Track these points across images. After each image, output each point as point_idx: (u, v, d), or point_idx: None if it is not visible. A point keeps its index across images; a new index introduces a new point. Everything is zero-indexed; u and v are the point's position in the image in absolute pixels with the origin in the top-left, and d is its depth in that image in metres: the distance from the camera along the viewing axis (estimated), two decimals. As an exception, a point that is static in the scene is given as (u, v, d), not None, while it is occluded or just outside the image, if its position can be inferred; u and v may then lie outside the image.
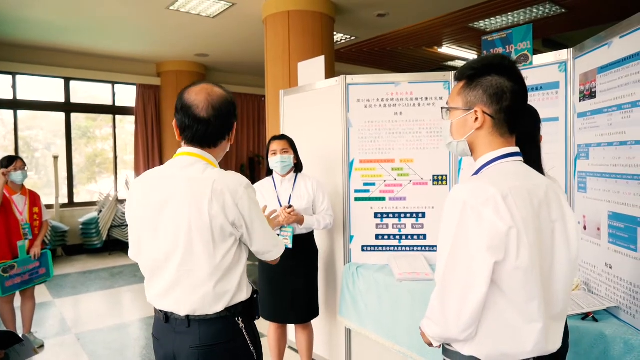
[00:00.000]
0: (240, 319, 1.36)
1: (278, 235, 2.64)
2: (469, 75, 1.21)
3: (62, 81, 7.21)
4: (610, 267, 1.82)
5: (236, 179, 1.33)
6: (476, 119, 1.19)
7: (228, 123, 1.39)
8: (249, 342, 1.38)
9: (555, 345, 1.17)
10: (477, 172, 1.22)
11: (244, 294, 1.38)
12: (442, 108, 1.30)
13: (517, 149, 1.21)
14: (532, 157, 1.52)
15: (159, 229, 1.33)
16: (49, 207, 6.92)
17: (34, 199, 3.61)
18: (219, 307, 1.32)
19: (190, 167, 1.34)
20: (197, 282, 1.31)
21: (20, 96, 6.88)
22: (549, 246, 1.15)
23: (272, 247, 1.43)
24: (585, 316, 1.77)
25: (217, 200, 1.27)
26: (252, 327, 1.42)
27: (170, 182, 1.34)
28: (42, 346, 3.60)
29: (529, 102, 1.66)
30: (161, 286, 1.35)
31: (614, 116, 1.80)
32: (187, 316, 1.32)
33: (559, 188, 1.24)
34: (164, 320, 1.36)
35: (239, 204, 1.29)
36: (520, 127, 1.24)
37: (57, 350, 3.55)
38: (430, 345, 1.25)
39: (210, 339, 1.31)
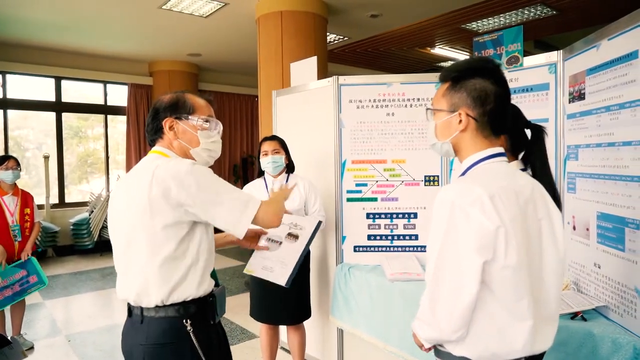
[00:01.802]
0: (188, 322, 1.34)
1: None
2: (453, 78, 1.23)
3: (52, 80, 7.15)
4: (599, 267, 1.84)
5: (180, 163, 1.34)
6: (460, 121, 1.20)
7: (157, 115, 1.46)
8: (197, 347, 1.34)
9: (545, 344, 1.18)
10: (463, 173, 1.23)
11: (192, 290, 1.36)
12: (427, 109, 1.32)
13: (501, 150, 1.22)
14: (542, 171, 1.45)
15: (115, 224, 1.42)
16: (39, 207, 6.86)
17: (25, 199, 3.56)
18: (161, 294, 1.31)
19: (148, 160, 1.41)
20: (139, 266, 1.33)
21: (10, 95, 6.82)
22: (537, 245, 1.16)
23: (233, 223, 1.34)
24: (574, 315, 1.79)
25: (157, 185, 1.28)
26: (205, 331, 1.39)
27: (131, 178, 1.41)
28: (31, 348, 3.56)
29: (522, 111, 1.69)
30: (119, 276, 1.42)
31: (602, 117, 1.82)
32: (141, 311, 1.35)
33: (543, 188, 1.25)
34: (129, 314, 1.42)
35: (184, 185, 1.28)
36: (505, 129, 1.25)
37: (47, 352, 3.52)
38: (422, 347, 1.25)
39: (156, 338, 1.33)
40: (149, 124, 1.48)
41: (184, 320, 1.34)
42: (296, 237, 1.67)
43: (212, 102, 1.54)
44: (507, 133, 1.65)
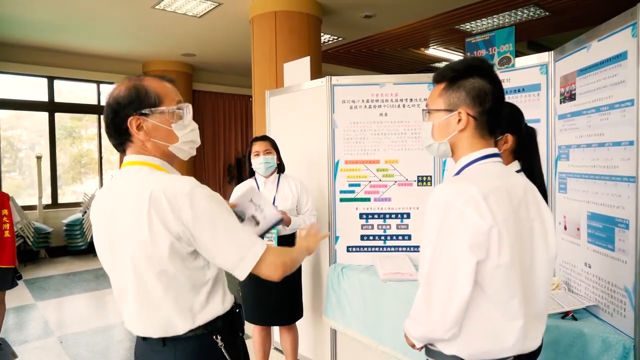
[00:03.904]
0: (219, 337, 1.21)
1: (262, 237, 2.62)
2: (450, 77, 1.22)
3: (45, 80, 7.10)
4: (589, 267, 1.85)
5: (177, 185, 1.13)
6: (459, 120, 1.20)
7: (117, 114, 1.20)
8: None
9: (535, 343, 1.19)
10: (458, 173, 1.23)
11: (218, 308, 1.22)
12: (423, 110, 1.31)
13: (496, 150, 1.23)
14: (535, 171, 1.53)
15: (115, 253, 1.21)
16: (32, 208, 6.83)
17: (2, 200, 3.46)
18: (186, 326, 1.18)
19: (134, 175, 1.20)
20: (154, 306, 1.17)
21: (3, 95, 6.76)
22: (528, 245, 1.17)
23: (234, 262, 1.15)
24: (565, 315, 1.80)
25: (156, 213, 1.10)
26: (235, 344, 1.27)
27: (117, 198, 1.20)
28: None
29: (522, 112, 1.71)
30: (128, 313, 1.25)
31: (592, 118, 1.83)
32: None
33: (535, 189, 1.25)
34: (142, 339, 1.26)
35: (182, 215, 1.10)
36: (501, 128, 1.26)
37: (39, 354, 3.49)
38: (414, 347, 1.26)
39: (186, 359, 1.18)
40: (108, 125, 1.22)
41: (214, 337, 1.20)
42: (257, 222, 1.54)
43: (174, 82, 1.30)
44: (516, 134, 1.68)
